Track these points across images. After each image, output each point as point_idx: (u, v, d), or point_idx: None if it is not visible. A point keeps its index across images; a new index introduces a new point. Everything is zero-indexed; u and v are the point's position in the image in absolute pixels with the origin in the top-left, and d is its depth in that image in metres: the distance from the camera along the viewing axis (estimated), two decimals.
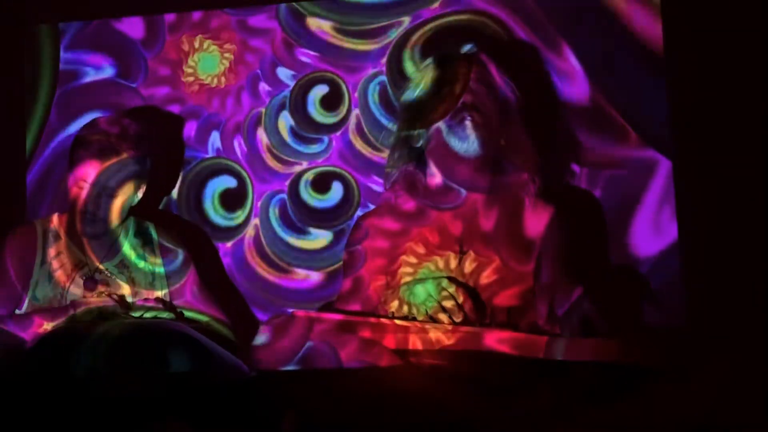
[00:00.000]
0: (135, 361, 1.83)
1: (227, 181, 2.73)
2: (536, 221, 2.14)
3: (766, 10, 2.25)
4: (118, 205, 2.34)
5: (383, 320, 1.79)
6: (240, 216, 2.71)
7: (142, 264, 2.39)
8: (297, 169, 2.69)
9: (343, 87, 2.68)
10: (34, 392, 1.75)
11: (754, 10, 2.27)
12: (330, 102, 2.69)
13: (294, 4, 2.72)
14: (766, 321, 2.15)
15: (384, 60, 2.66)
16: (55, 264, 2.33)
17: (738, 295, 2.22)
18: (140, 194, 2.40)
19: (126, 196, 2.36)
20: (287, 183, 2.69)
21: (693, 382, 1.61)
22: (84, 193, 2.30)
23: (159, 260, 2.41)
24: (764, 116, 2.27)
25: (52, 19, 2.81)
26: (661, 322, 2.36)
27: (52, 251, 2.34)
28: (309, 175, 2.68)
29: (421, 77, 2.19)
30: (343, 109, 2.67)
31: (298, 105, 2.70)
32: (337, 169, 2.67)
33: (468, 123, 2.06)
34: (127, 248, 2.40)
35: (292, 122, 2.70)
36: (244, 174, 2.72)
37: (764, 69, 2.27)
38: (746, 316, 2.19)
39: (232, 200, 2.73)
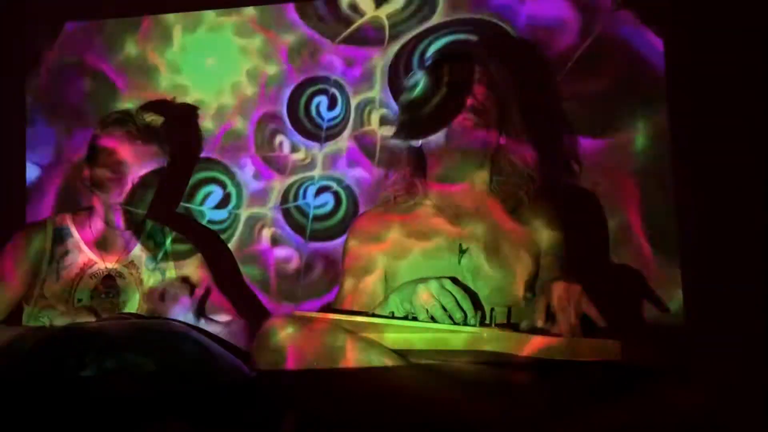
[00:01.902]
0: (134, 360, 1.82)
1: (216, 188, 2.73)
2: (536, 220, 2.14)
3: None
4: (146, 196, 2.35)
5: (383, 320, 1.78)
6: (228, 223, 2.71)
7: (152, 266, 2.39)
8: (292, 178, 2.69)
9: (342, 94, 2.68)
10: (33, 392, 1.75)
11: (754, 13, 2.28)
12: (328, 108, 2.69)
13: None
14: (766, 321, 2.15)
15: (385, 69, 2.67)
16: (63, 262, 2.33)
17: (738, 295, 2.22)
18: (155, 190, 2.40)
19: (152, 188, 2.36)
20: (281, 192, 2.69)
21: (693, 382, 1.61)
22: (117, 182, 2.30)
23: (171, 264, 2.41)
24: (764, 116, 2.27)
25: (54, 19, 2.82)
26: (661, 321, 2.36)
27: (61, 249, 2.34)
28: (305, 186, 2.68)
29: (420, 76, 2.18)
30: (342, 117, 2.67)
31: (296, 111, 2.70)
32: (333, 181, 2.67)
33: (468, 124, 2.06)
34: (138, 250, 2.40)
35: (290, 126, 2.70)
36: (237, 181, 2.72)
37: (765, 69, 2.27)
38: (746, 315, 2.19)
39: (221, 206, 2.73)
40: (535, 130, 2.20)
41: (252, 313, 2.50)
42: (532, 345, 1.69)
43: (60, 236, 2.36)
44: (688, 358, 1.76)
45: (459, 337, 1.71)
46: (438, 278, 1.87)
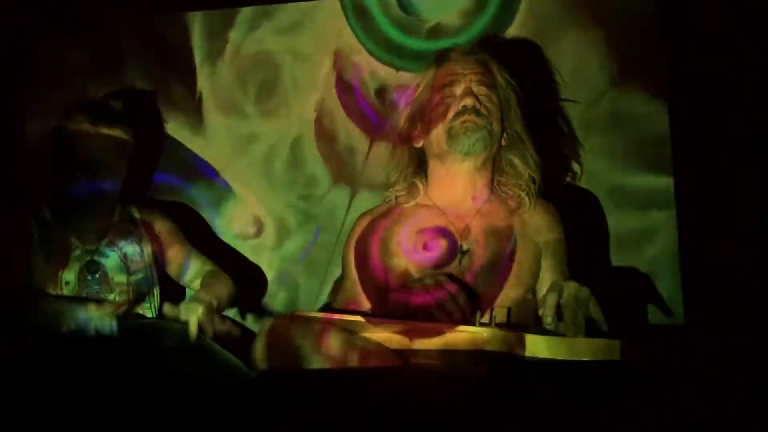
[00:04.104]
0: (135, 361, 1.83)
1: None
2: (537, 221, 2.13)
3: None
4: (114, 182, 2.39)
5: (383, 320, 1.78)
6: None
7: (129, 240, 2.45)
8: None
9: None
10: (35, 391, 1.75)
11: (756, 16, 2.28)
12: None
13: None
14: (766, 320, 2.15)
15: None
16: (48, 247, 2.36)
17: (737, 295, 2.22)
18: (124, 174, 2.47)
19: (120, 173, 2.42)
20: None
21: (693, 382, 1.61)
22: (84, 171, 2.35)
23: (145, 238, 2.45)
24: (762, 117, 2.27)
25: (55, 18, 2.82)
26: (661, 321, 2.36)
27: (45, 235, 2.38)
28: None
29: (422, 77, 2.18)
30: None
31: None
32: None
33: (469, 126, 2.06)
34: (114, 230, 2.46)
35: None
36: None
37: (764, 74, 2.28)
38: (746, 315, 2.19)
39: None
40: (536, 130, 2.20)
41: (237, 271, 2.57)
42: (532, 345, 1.69)
43: (42, 225, 2.41)
44: (688, 358, 1.76)
45: (459, 337, 1.71)
46: (434, 275, 1.87)
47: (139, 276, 2.43)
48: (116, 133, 2.39)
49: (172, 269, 2.52)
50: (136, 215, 2.51)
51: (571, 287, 1.77)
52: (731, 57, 2.32)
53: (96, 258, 2.40)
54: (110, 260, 2.41)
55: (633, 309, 2.38)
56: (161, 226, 2.53)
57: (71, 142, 2.36)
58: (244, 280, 2.60)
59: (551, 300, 1.76)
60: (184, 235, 2.56)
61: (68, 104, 2.48)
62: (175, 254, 2.51)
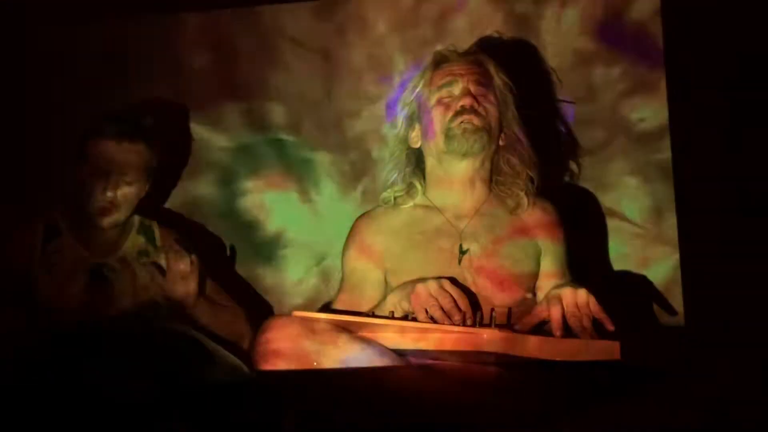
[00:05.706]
0: (134, 360, 1.82)
1: None
2: (535, 221, 2.14)
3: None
4: (132, 195, 2.34)
5: (383, 320, 1.78)
6: None
7: (143, 260, 2.39)
8: None
9: None
10: (32, 393, 1.74)
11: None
12: None
13: None
14: (766, 320, 2.15)
15: None
16: (53, 260, 2.33)
17: (738, 295, 2.23)
18: (146, 189, 2.40)
19: (140, 187, 2.36)
20: None
21: (694, 382, 1.61)
22: (103, 181, 2.30)
23: (161, 258, 2.41)
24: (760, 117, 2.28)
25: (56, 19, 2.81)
26: (661, 322, 2.36)
27: (51, 247, 2.34)
28: None
29: (419, 77, 2.18)
30: None
31: None
32: None
33: (467, 126, 2.06)
34: (130, 245, 2.40)
35: None
36: None
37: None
38: (746, 315, 2.20)
39: None
40: (533, 129, 2.20)
41: (248, 304, 2.51)
42: (532, 345, 1.69)
43: (50, 234, 2.36)
44: (688, 358, 1.76)
45: (459, 338, 1.72)
46: (437, 278, 1.87)
47: (146, 297, 2.35)
48: (140, 146, 2.33)
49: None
50: (157, 235, 2.45)
51: (568, 294, 1.77)
52: (732, 57, 2.33)
53: (105, 272, 2.35)
54: (119, 277, 2.35)
55: (632, 309, 2.38)
56: (185, 258, 2.35)
57: (93, 155, 2.31)
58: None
59: (556, 314, 1.75)
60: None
61: (93, 116, 2.42)
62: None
